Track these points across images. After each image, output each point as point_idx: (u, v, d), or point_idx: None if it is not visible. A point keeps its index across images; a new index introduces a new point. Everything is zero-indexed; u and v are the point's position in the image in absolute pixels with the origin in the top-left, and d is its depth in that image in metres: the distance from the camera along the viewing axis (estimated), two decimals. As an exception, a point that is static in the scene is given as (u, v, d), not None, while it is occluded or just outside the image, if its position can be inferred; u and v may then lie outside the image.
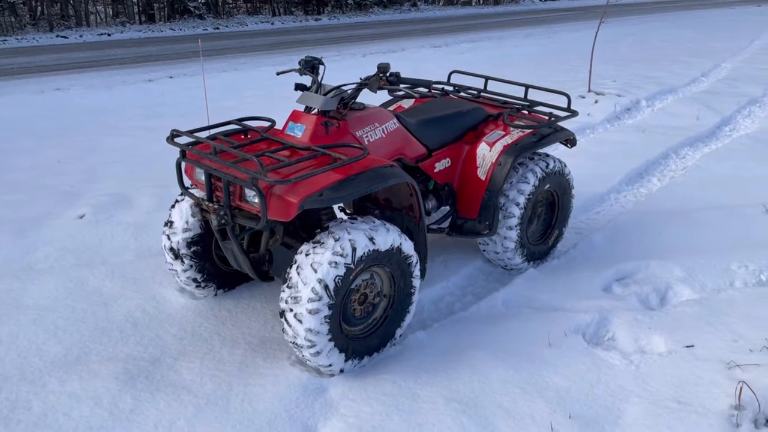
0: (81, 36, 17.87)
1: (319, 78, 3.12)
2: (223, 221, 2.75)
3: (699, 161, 5.80)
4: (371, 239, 2.68)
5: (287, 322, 2.62)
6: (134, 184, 5.13)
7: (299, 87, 3.14)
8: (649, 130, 6.77)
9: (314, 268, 2.57)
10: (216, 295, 3.40)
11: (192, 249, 3.20)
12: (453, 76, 4.37)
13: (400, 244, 2.81)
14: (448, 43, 15.69)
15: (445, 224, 3.65)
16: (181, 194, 3.09)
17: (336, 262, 2.57)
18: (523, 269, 3.76)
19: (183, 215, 3.19)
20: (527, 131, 3.59)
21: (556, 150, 5.80)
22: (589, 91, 8.55)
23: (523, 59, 12.28)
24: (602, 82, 9.25)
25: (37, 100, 8.47)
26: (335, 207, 3.79)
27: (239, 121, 3.17)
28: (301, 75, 3.16)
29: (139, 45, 15.94)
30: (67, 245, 4.01)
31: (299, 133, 2.96)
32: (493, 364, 2.80)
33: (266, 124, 3.20)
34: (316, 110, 3.01)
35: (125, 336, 3.04)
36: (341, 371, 2.77)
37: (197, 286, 3.31)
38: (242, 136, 3.09)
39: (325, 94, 3.00)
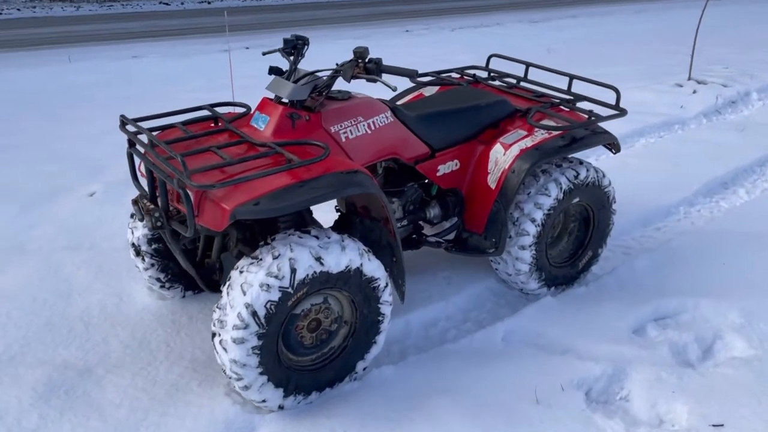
0: (182, 3, 18.35)
1: (300, 61, 2.69)
2: (158, 224, 2.42)
3: (805, 171, 4.84)
4: (318, 259, 2.25)
5: (215, 349, 2.26)
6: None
7: (273, 71, 2.72)
8: (751, 129, 5.77)
9: (243, 289, 2.19)
10: (184, 296, 3.10)
11: (153, 246, 2.91)
12: (492, 60, 3.78)
13: (360, 265, 2.36)
14: (549, 18, 14.60)
15: (451, 237, 3.14)
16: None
17: (269, 285, 2.17)
18: (541, 295, 3.18)
19: (145, 209, 2.90)
20: (555, 132, 2.98)
21: (629, 150, 5.02)
22: (689, 78, 7.48)
23: (624, 38, 11.14)
24: (710, 68, 8.08)
25: (111, 67, 8.62)
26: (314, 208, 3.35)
27: (211, 106, 2.81)
28: (282, 56, 2.74)
29: (235, 14, 16.06)
30: (67, 224, 3.88)
31: (262, 125, 2.57)
32: (459, 419, 2.31)
33: (241, 110, 2.82)
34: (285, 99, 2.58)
35: (71, 337, 2.80)
36: (280, 407, 2.38)
37: (161, 287, 3.03)
38: (212, 125, 2.75)
39: (296, 81, 2.57)
